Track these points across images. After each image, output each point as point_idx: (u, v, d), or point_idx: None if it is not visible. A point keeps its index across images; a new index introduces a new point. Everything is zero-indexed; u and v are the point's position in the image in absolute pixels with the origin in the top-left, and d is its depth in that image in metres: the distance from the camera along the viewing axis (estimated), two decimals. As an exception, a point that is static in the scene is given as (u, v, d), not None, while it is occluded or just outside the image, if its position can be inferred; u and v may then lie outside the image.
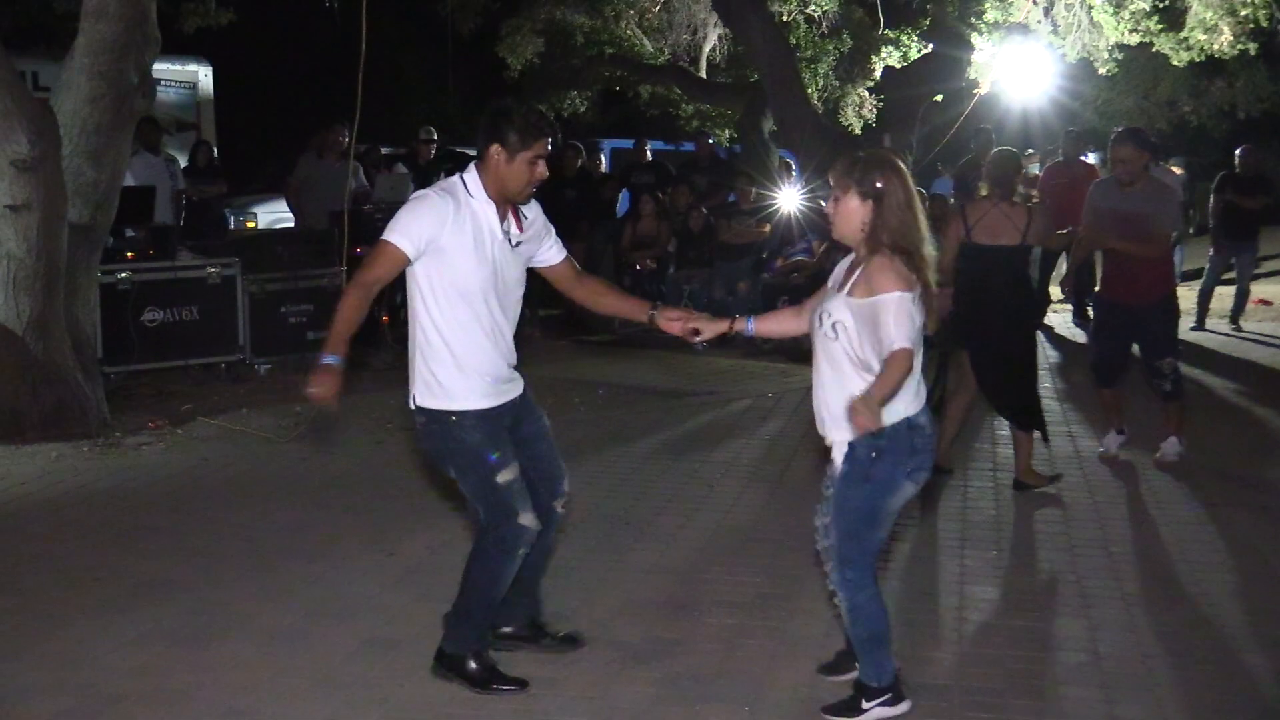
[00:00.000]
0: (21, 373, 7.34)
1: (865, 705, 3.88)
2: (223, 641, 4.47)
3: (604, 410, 8.32)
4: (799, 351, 8.52)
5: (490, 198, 3.95)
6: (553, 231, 4.25)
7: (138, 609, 4.76)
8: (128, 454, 7.13)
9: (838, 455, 3.83)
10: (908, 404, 3.74)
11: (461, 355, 3.94)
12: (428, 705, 3.99)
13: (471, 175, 3.98)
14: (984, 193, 6.76)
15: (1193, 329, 11.81)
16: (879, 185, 3.71)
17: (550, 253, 4.23)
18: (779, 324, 4.34)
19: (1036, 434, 6.48)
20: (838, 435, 3.80)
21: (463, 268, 3.90)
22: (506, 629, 4.35)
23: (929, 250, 3.76)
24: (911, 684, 4.15)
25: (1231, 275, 12.20)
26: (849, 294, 3.73)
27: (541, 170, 3.97)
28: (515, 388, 4.13)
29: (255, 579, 5.10)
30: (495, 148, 3.92)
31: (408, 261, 3.90)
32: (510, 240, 4.00)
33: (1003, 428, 7.81)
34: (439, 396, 3.97)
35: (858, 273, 3.74)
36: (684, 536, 5.71)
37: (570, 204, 11.49)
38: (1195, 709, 4.02)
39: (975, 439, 7.56)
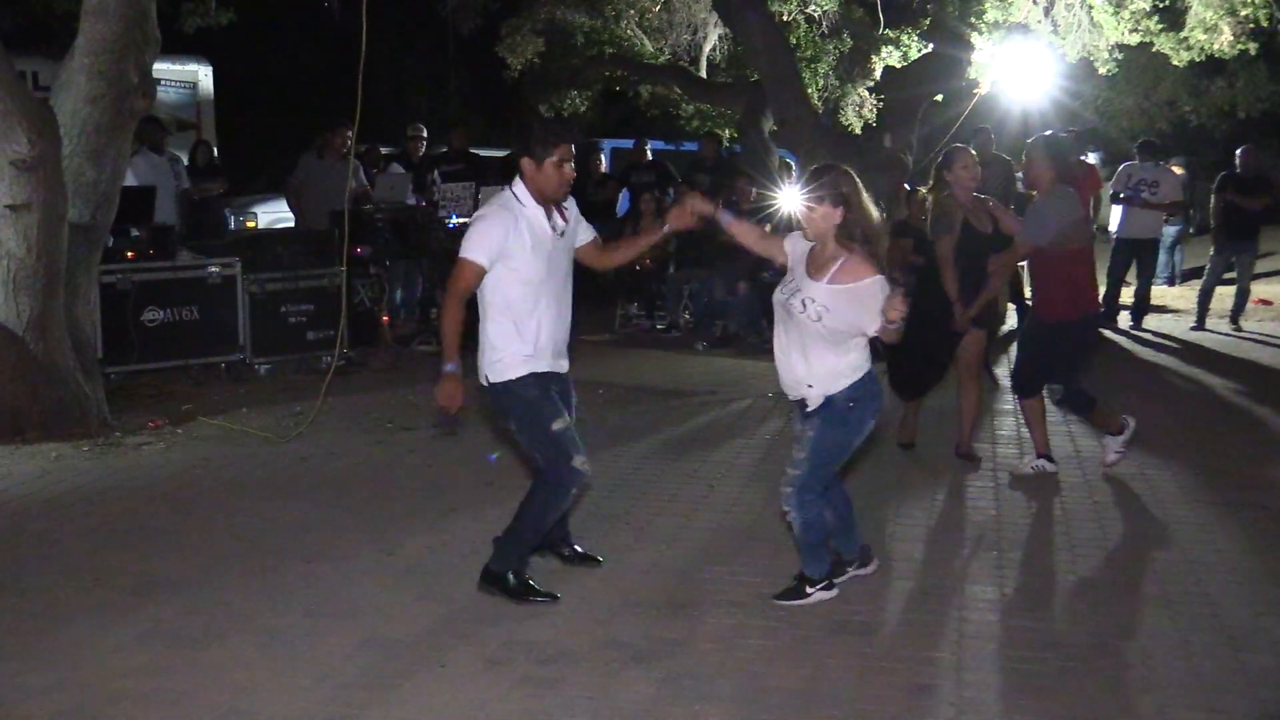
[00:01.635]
0: (21, 373, 7.34)
1: (809, 591, 4.81)
2: (223, 641, 4.47)
3: (604, 410, 8.32)
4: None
5: (536, 202, 4.68)
6: (582, 218, 4.99)
7: (138, 609, 4.76)
8: (128, 454, 7.13)
9: (813, 405, 4.61)
10: (867, 359, 4.65)
11: (525, 334, 4.68)
12: (428, 705, 3.99)
13: (519, 187, 4.71)
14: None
15: (1193, 329, 11.82)
16: (845, 191, 4.51)
17: (584, 235, 4.97)
18: (747, 236, 5.04)
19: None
20: (816, 391, 4.59)
21: (525, 264, 4.63)
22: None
23: (884, 239, 4.58)
24: (912, 684, 4.16)
25: (1232, 275, 12.21)
26: (830, 282, 4.49)
27: (568, 171, 4.68)
28: (565, 364, 4.90)
29: (255, 579, 5.10)
30: (525, 160, 4.68)
31: (485, 271, 4.63)
32: (558, 232, 4.74)
33: (1003, 428, 7.81)
34: (508, 369, 4.70)
35: (836, 265, 4.50)
36: (684, 536, 5.71)
37: None
38: (1196, 709, 4.02)
39: (975, 439, 7.56)
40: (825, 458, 4.67)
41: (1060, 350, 6.59)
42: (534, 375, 4.72)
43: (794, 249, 4.71)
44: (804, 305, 4.51)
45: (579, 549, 5.28)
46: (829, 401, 4.59)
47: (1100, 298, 7.22)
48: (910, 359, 6.80)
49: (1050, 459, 6.72)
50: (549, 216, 4.71)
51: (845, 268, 4.49)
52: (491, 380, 4.77)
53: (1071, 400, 6.86)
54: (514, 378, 4.72)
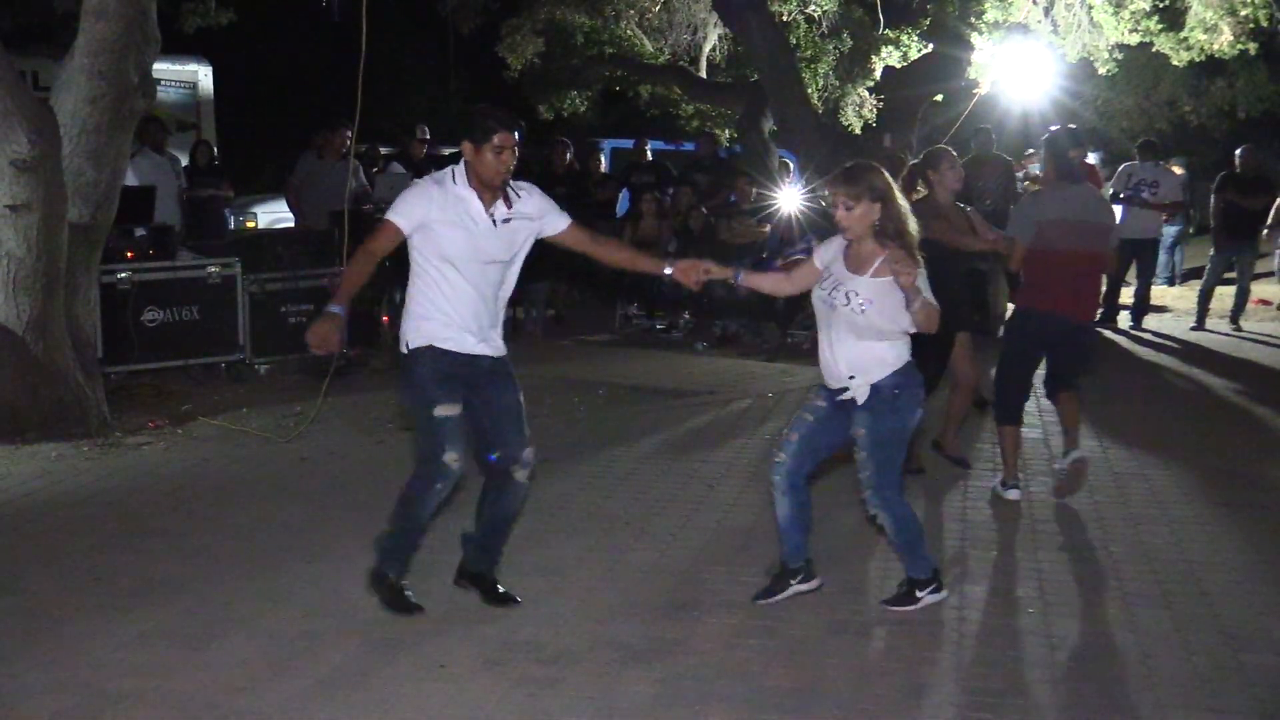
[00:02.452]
0: (21, 373, 7.34)
1: (919, 595, 4.79)
2: (223, 641, 4.47)
3: (604, 410, 8.32)
4: (799, 351, 8.55)
5: (471, 186, 4.59)
6: (555, 206, 4.85)
7: (138, 609, 4.76)
8: (128, 454, 7.13)
9: (861, 398, 4.62)
10: (909, 350, 4.69)
11: (430, 306, 4.58)
12: (428, 705, 3.99)
13: (459, 168, 4.64)
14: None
15: (1193, 329, 11.82)
16: (880, 187, 4.57)
17: (555, 223, 4.82)
18: (768, 282, 5.28)
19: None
20: (863, 381, 4.61)
21: (445, 242, 4.54)
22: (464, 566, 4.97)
23: (915, 230, 4.61)
24: (912, 684, 4.16)
25: (1232, 275, 12.20)
26: (874, 276, 4.55)
27: (506, 159, 4.55)
28: (485, 348, 4.65)
29: (255, 579, 5.10)
30: (465, 144, 4.60)
31: (403, 235, 4.56)
32: (494, 220, 4.61)
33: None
34: (412, 336, 4.62)
35: (878, 260, 4.54)
36: (684, 536, 5.71)
37: (560, 201, 11.58)
38: (1196, 708, 4.02)
39: (975, 439, 7.56)
40: (887, 450, 4.68)
41: (1018, 340, 6.36)
42: (435, 350, 4.56)
43: (825, 254, 4.77)
44: (847, 299, 4.56)
45: (500, 588, 4.88)
46: (875, 391, 4.61)
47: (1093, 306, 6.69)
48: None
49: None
50: (488, 204, 4.58)
51: (888, 263, 4.52)
52: (401, 347, 4.69)
53: (996, 396, 6.51)
54: (415, 346, 4.60)
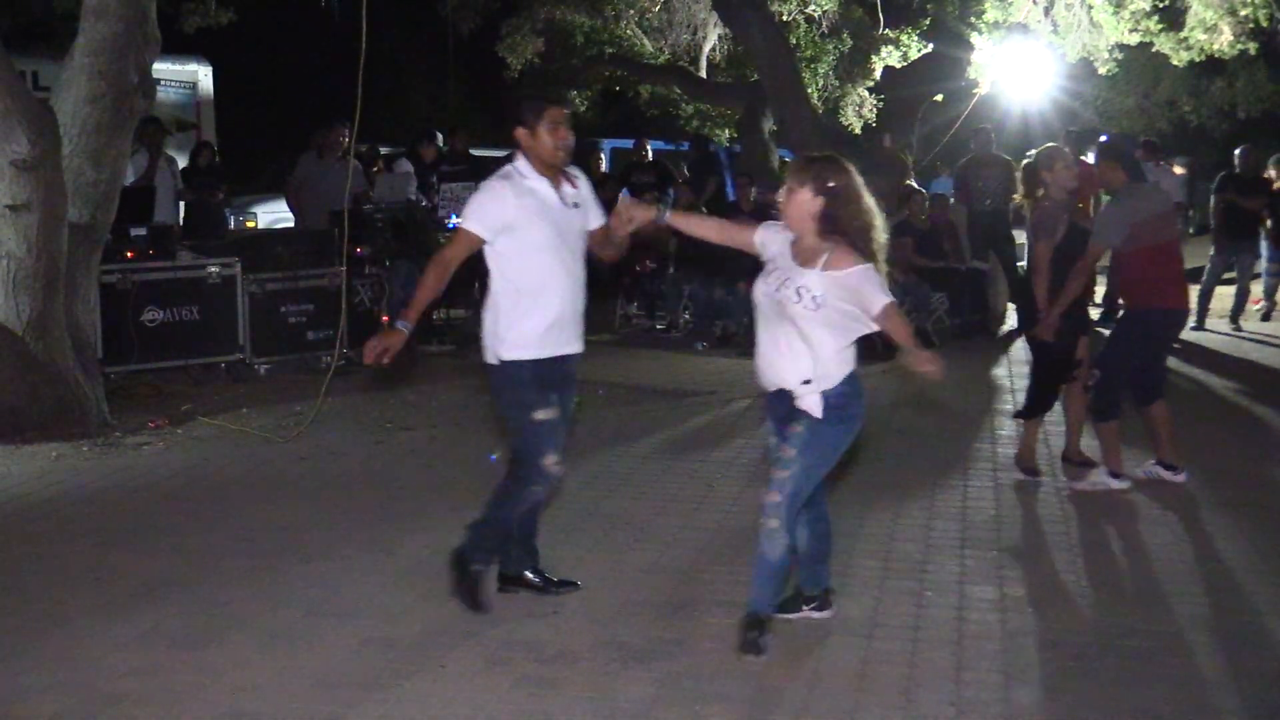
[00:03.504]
0: (21, 373, 7.34)
1: (805, 609, 4.67)
2: (223, 642, 4.47)
3: (604, 410, 8.32)
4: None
5: (538, 172, 4.57)
6: (596, 202, 4.85)
7: (138, 609, 4.76)
8: (128, 454, 7.13)
9: (809, 405, 4.31)
10: (855, 356, 4.40)
11: (535, 311, 4.56)
12: (428, 705, 3.99)
13: (520, 160, 4.61)
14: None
15: (1193, 329, 11.81)
16: (832, 185, 4.29)
17: (596, 219, 4.82)
18: (698, 228, 4.85)
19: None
20: (813, 387, 4.31)
21: (534, 233, 4.52)
22: (506, 572, 4.92)
23: (881, 236, 4.35)
24: (912, 684, 4.15)
25: (1232, 275, 12.20)
26: (824, 269, 4.26)
27: (563, 134, 4.55)
28: (577, 345, 4.73)
29: (255, 579, 5.10)
30: (519, 130, 4.56)
31: (482, 242, 4.54)
32: (568, 203, 4.63)
33: (1003, 428, 7.81)
34: (509, 349, 4.58)
35: (825, 255, 4.27)
36: (684, 536, 5.71)
37: None
38: (1196, 709, 4.02)
39: (975, 439, 7.57)
40: (818, 458, 4.36)
41: (1138, 340, 6.54)
42: (534, 361, 4.59)
43: (769, 239, 4.45)
44: (799, 295, 4.24)
45: (552, 577, 4.95)
46: (825, 398, 4.30)
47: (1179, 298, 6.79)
48: (1050, 372, 6.68)
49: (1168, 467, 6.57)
50: (556, 187, 4.60)
51: (834, 257, 4.26)
52: (491, 359, 4.66)
53: (1096, 393, 6.56)
54: (511, 359, 4.58)
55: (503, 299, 4.60)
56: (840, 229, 4.27)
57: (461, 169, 12.28)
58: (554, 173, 4.60)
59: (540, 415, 4.58)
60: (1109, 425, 6.49)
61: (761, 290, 4.41)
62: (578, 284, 4.67)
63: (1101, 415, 6.51)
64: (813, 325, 4.28)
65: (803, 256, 4.33)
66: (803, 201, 4.30)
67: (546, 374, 4.62)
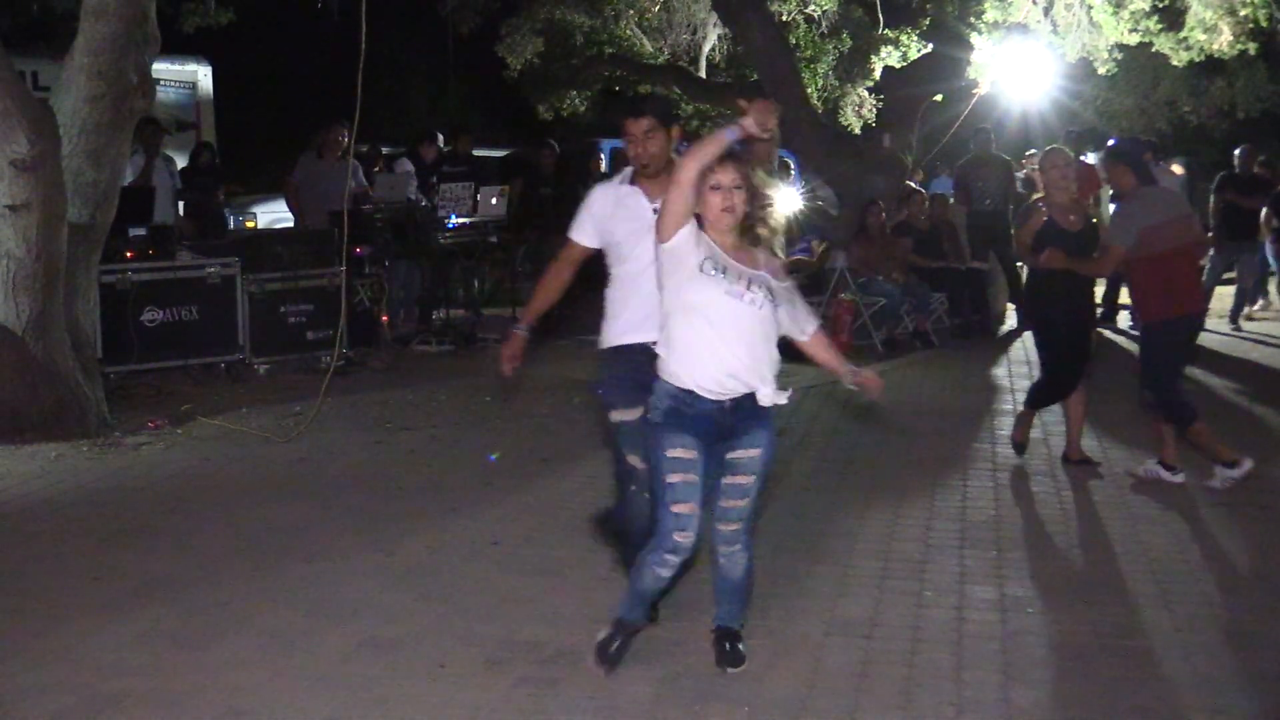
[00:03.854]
0: (21, 373, 7.34)
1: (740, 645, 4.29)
2: (223, 641, 4.47)
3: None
4: (798, 351, 8.47)
5: (636, 181, 4.51)
6: None
7: (138, 609, 4.76)
8: (128, 454, 7.13)
9: (764, 405, 4.03)
10: None
11: (626, 312, 4.46)
12: (428, 705, 3.99)
13: (625, 170, 4.59)
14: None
15: (1192, 329, 11.81)
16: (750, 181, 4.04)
17: None
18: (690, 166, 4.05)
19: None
20: (768, 390, 4.02)
21: (620, 238, 4.46)
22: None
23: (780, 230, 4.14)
24: (912, 684, 4.15)
25: (1232, 275, 12.20)
26: (769, 270, 4.06)
27: (637, 146, 4.42)
28: None
29: (255, 579, 5.10)
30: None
31: (586, 249, 4.55)
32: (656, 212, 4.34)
33: (1003, 428, 7.81)
34: (605, 339, 4.56)
35: (764, 259, 4.07)
36: (684, 536, 5.69)
37: (546, 201, 11.85)
38: (1196, 708, 4.02)
39: (975, 439, 7.57)
40: (765, 480, 4.21)
41: (1166, 351, 6.49)
42: (617, 349, 4.51)
43: (692, 237, 4.01)
44: (770, 294, 4.00)
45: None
46: (769, 412, 4.07)
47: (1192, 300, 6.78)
48: (1058, 362, 6.80)
49: (1232, 465, 6.47)
50: (652, 197, 4.39)
51: (775, 266, 4.10)
52: (598, 346, 4.65)
53: (1166, 408, 6.54)
54: (605, 347, 4.56)
55: (608, 291, 4.61)
56: (757, 226, 4.07)
57: (461, 170, 12.31)
58: (653, 183, 4.43)
59: (615, 416, 4.57)
60: (1196, 428, 6.47)
61: (715, 291, 3.97)
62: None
63: (1183, 424, 6.49)
64: (767, 324, 4.03)
65: (743, 257, 4.04)
66: (735, 200, 4.01)
67: (629, 371, 4.44)
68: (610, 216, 4.52)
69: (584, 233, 4.59)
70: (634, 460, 4.48)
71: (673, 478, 4.01)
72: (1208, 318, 11.85)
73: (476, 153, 13.64)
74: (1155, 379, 6.52)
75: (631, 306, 4.47)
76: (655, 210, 4.27)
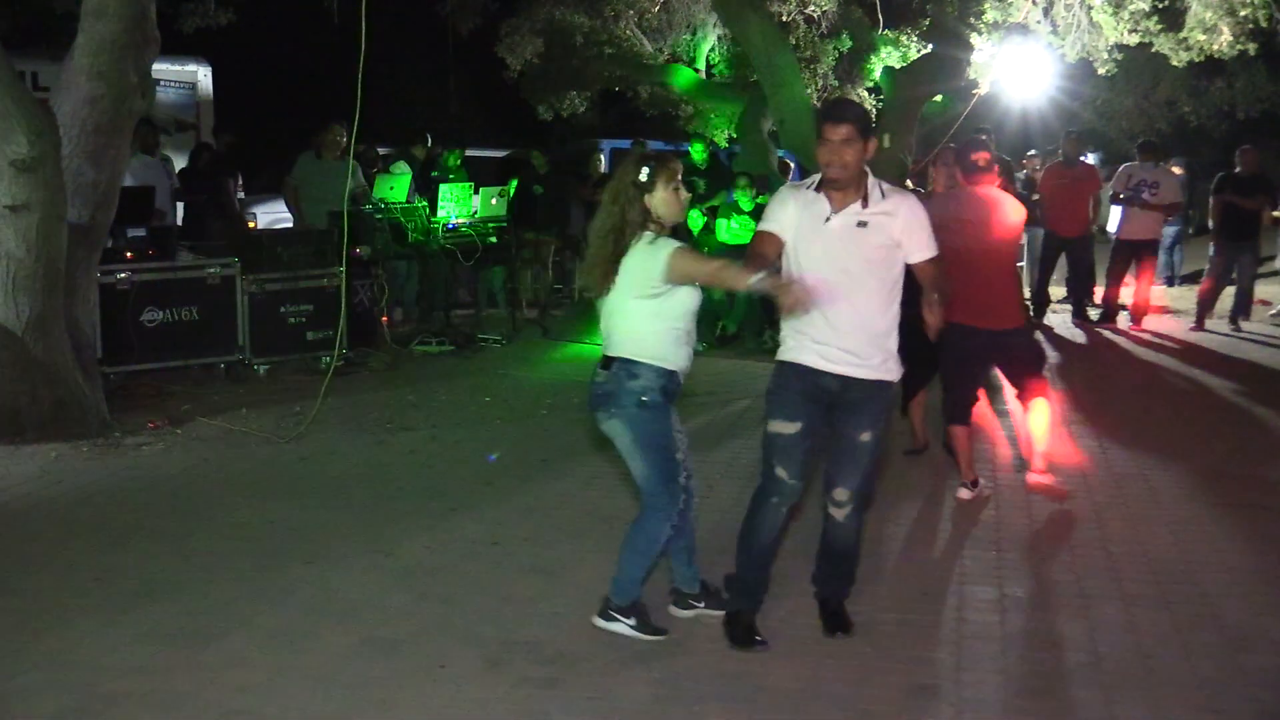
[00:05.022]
0: (21, 373, 7.34)
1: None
2: (223, 641, 4.47)
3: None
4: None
5: (818, 188, 4.38)
6: (924, 231, 4.42)
7: (138, 609, 4.76)
8: (128, 454, 7.13)
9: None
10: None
11: (801, 321, 4.33)
12: (428, 705, 3.99)
13: (814, 176, 4.46)
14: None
15: (1192, 329, 11.82)
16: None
17: (915, 250, 4.42)
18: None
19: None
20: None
21: (800, 247, 4.35)
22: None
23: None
24: (912, 684, 4.15)
25: (1232, 275, 12.19)
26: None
27: (826, 151, 4.26)
28: (859, 369, 4.36)
29: (255, 579, 5.10)
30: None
31: (776, 238, 4.35)
32: (840, 222, 4.32)
33: (1004, 428, 7.81)
34: (781, 351, 4.52)
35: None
36: (684, 536, 5.69)
37: (539, 201, 12.13)
38: (1195, 709, 4.02)
39: (974, 439, 7.55)
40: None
41: (944, 351, 6.08)
42: (791, 366, 4.42)
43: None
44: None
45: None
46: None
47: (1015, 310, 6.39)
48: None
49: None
50: (837, 205, 4.31)
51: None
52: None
53: (945, 403, 6.43)
54: (777, 359, 4.51)
55: None
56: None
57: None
58: (838, 190, 4.34)
59: (776, 427, 4.48)
60: (953, 430, 6.35)
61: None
62: (854, 309, 4.35)
63: (947, 420, 6.38)
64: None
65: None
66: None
67: (798, 386, 4.47)
68: (797, 218, 4.39)
69: (778, 224, 4.40)
70: (782, 473, 4.42)
71: None
72: (1208, 318, 11.89)
73: (475, 153, 13.63)
74: (943, 375, 6.47)
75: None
76: (828, 220, 4.31)
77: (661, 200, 4.33)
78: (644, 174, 4.31)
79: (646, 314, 4.35)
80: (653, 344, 4.37)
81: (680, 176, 4.40)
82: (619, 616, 4.51)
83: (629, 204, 4.31)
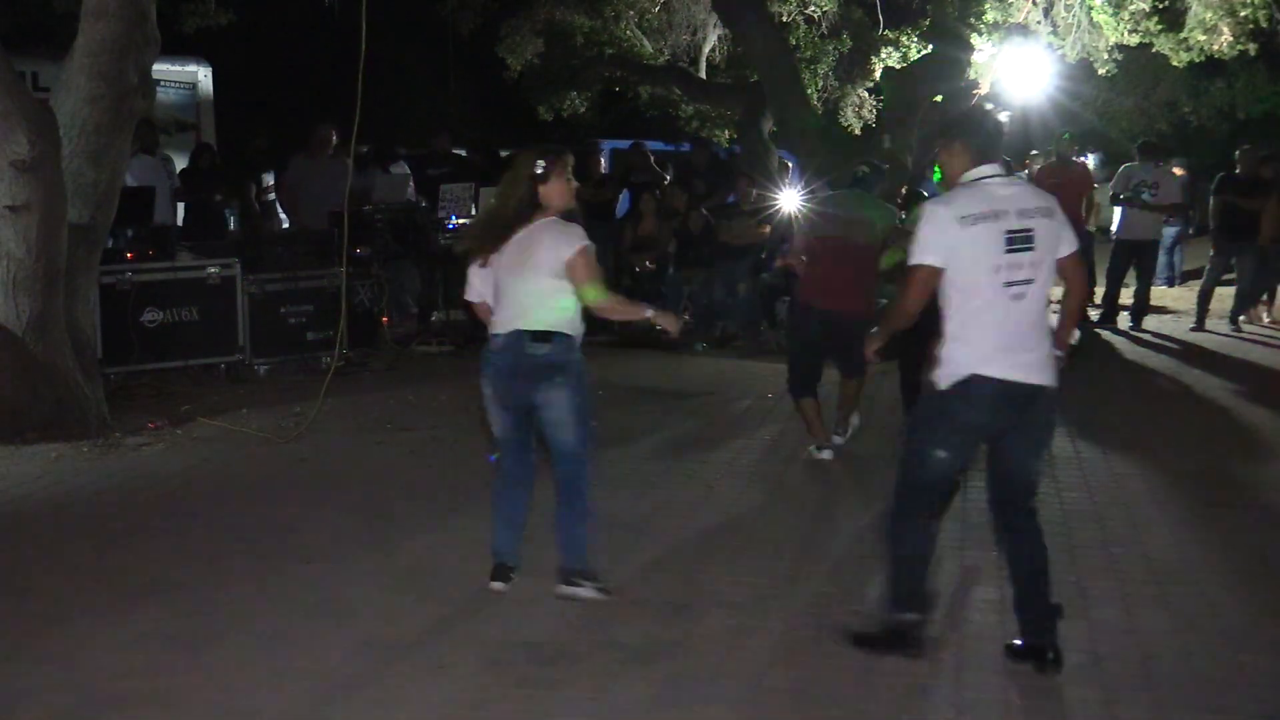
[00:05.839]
0: (21, 373, 7.34)
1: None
2: (222, 641, 4.47)
3: (604, 410, 8.29)
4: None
5: None
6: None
7: (138, 609, 4.76)
8: (128, 454, 7.13)
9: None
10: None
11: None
12: (428, 705, 3.99)
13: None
14: None
15: (1192, 329, 11.82)
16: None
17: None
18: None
19: None
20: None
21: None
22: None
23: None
24: (912, 684, 4.15)
25: (1231, 276, 12.20)
26: None
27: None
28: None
29: (255, 579, 5.10)
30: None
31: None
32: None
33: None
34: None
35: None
36: (684, 536, 5.70)
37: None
38: (1196, 709, 4.02)
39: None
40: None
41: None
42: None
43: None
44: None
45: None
46: None
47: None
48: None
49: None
50: None
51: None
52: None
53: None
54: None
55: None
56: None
57: (447, 170, 12.27)
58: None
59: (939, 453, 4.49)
60: (800, 404, 7.13)
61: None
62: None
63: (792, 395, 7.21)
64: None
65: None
66: None
67: (979, 406, 4.43)
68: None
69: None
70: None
71: None
72: (1207, 318, 11.89)
73: (465, 154, 13.60)
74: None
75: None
76: None
77: (554, 190, 4.79)
78: (539, 167, 4.77)
79: (568, 290, 4.74)
80: (577, 319, 4.81)
81: (571, 169, 4.88)
82: (583, 580, 4.80)
83: (522, 190, 4.78)
